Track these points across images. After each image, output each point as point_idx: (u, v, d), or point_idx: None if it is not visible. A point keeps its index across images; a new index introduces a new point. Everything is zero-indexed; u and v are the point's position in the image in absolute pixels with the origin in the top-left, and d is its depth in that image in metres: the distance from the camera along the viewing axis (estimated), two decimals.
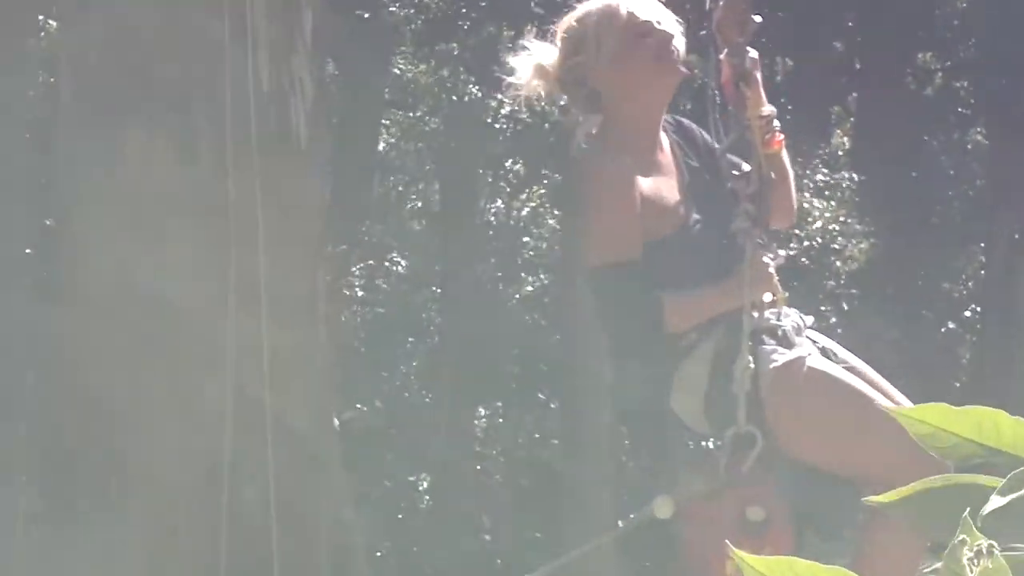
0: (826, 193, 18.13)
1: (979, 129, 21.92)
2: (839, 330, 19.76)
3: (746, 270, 4.00)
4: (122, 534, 6.47)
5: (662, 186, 4.14)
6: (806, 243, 17.51)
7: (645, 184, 4.10)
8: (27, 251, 13.01)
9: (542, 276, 16.99)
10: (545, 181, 16.99)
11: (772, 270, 4.04)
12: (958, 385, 21.05)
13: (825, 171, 18.66)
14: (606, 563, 11.46)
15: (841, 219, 18.32)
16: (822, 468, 4.18)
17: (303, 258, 7.20)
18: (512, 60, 4.39)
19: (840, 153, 21.21)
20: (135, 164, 7.06)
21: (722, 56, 4.09)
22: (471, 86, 16.42)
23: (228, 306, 6.79)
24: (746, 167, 4.11)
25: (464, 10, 16.79)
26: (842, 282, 18.87)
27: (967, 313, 21.61)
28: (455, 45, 17.12)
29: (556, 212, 16.86)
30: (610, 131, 4.20)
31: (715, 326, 4.09)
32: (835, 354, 4.14)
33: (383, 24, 16.91)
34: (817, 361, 4.03)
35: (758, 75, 4.09)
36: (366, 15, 16.23)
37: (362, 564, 7.67)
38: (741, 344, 3.99)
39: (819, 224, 17.76)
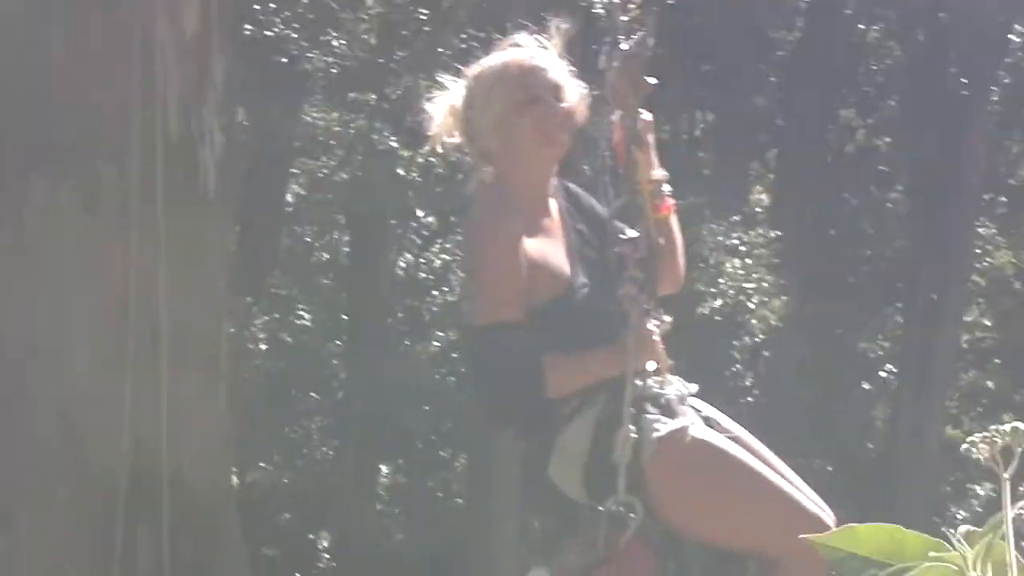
0: (742, 249, 18.22)
1: (899, 188, 22.15)
2: (754, 390, 19.88)
3: (630, 337, 3.95)
4: None
5: (548, 249, 4.13)
6: (719, 301, 17.59)
7: (532, 245, 4.08)
8: None
9: (450, 332, 16.96)
10: (456, 234, 17.01)
11: (657, 337, 4.01)
12: (871, 446, 21.20)
13: (742, 229, 18.76)
14: None
15: (756, 276, 18.42)
16: (703, 541, 4.17)
17: (206, 310, 7.15)
18: (432, 97, 4.39)
19: (758, 209, 21.35)
20: (38, 213, 6.96)
21: (614, 117, 4.07)
22: (384, 135, 16.45)
23: (127, 358, 6.71)
24: (633, 232, 4.05)
25: (379, 60, 16.84)
26: (757, 340, 18.98)
27: (882, 373, 21.82)
28: (371, 96, 17.15)
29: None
30: (499, 188, 4.18)
31: (597, 393, 4.04)
32: (719, 423, 4.12)
33: (295, 72, 16.89)
34: (700, 431, 4.01)
35: (651, 138, 4.09)
36: (278, 62, 16.22)
37: None
38: (623, 412, 3.93)
39: (734, 282, 17.83)
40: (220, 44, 7.68)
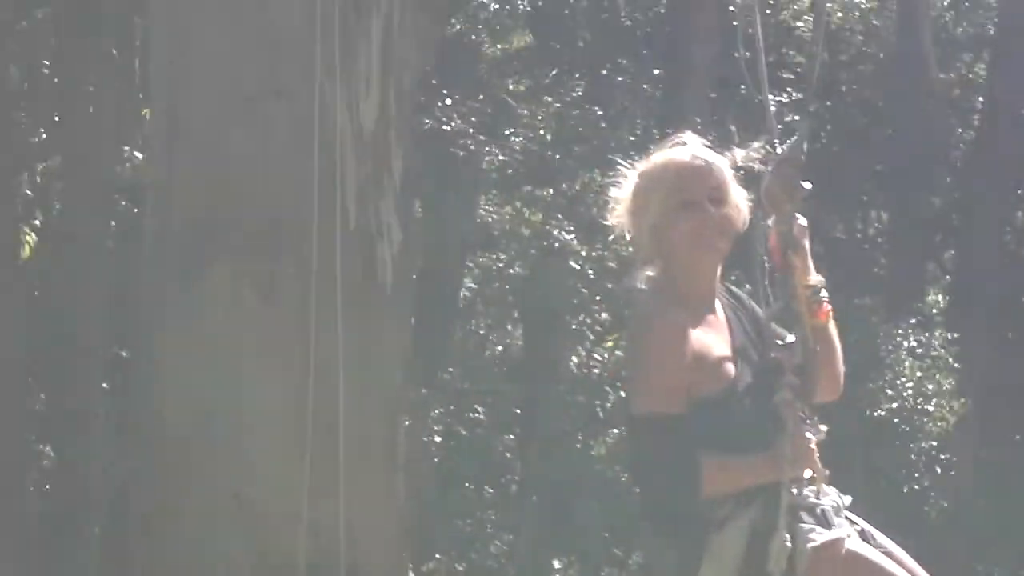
0: (918, 351, 17.93)
1: None
2: (932, 493, 19.46)
3: (787, 444, 3.89)
4: None
5: (713, 344, 4.05)
6: (895, 404, 17.28)
7: (696, 339, 4.01)
8: (104, 385, 13.13)
9: (623, 429, 16.88)
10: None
11: (814, 446, 3.93)
12: None
13: (919, 331, 18.47)
14: None
15: (937, 377, 18.11)
16: None
17: (384, 402, 7.17)
18: (611, 185, 4.32)
19: (934, 311, 21.02)
20: (218, 302, 7.06)
21: (770, 222, 4.00)
22: (559, 231, 16.46)
23: (306, 447, 6.75)
24: (791, 338, 4.01)
25: (555, 155, 16.92)
26: (934, 444, 18.60)
27: None
28: (547, 190, 17.22)
29: None
30: (666, 282, 4.11)
31: (753, 499, 3.96)
32: (874, 538, 4.03)
33: (471, 166, 17.04)
34: (856, 544, 3.93)
35: (807, 243, 4.00)
36: (454, 156, 16.38)
37: None
38: (778, 521, 3.88)
39: (911, 384, 17.53)
40: (398, 138, 7.77)
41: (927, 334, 18.65)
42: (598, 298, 16.87)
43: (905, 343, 17.89)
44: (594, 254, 15.75)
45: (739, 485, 3.96)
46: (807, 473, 3.91)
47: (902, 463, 18.23)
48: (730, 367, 4.05)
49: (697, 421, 3.95)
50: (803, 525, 3.89)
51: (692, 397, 3.96)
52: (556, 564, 17.96)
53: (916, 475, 18.94)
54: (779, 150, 4.02)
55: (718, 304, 4.12)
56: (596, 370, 17.62)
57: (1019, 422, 20.37)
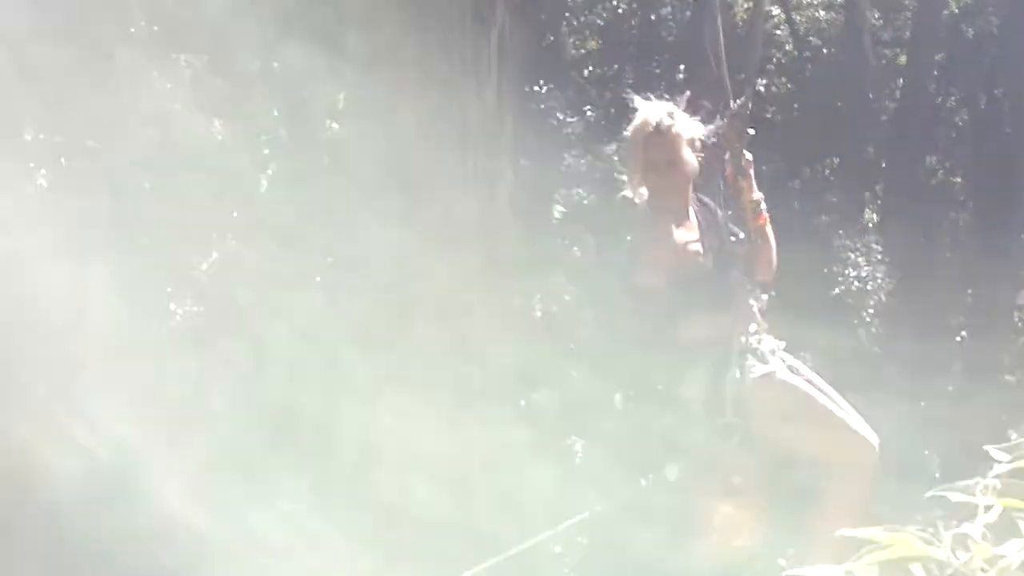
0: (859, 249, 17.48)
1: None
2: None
3: (736, 308, 3.83)
4: None
5: (688, 239, 3.93)
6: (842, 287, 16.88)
7: (677, 235, 3.90)
8: None
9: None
10: None
11: (755, 310, 3.84)
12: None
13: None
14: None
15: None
16: (785, 451, 4.01)
17: None
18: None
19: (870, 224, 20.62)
20: None
21: (726, 157, 3.88)
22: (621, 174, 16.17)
23: None
24: (741, 234, 3.96)
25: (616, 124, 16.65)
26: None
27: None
28: (614, 146, 16.99)
29: None
30: (655, 198, 3.99)
31: (716, 346, 3.88)
32: (798, 371, 3.92)
33: (559, 132, 16.80)
34: (785, 375, 3.85)
35: (751, 171, 3.86)
36: (549, 125, 16.15)
37: None
38: (732, 359, 3.82)
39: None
40: (509, 110, 7.86)
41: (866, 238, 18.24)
42: None
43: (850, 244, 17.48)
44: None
45: (709, 334, 3.87)
46: (752, 327, 3.83)
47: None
48: (699, 254, 3.93)
49: (678, 289, 3.85)
50: (748, 363, 3.83)
51: (674, 273, 3.85)
52: None
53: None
54: (732, 107, 3.96)
55: (691, 210, 3.98)
56: None
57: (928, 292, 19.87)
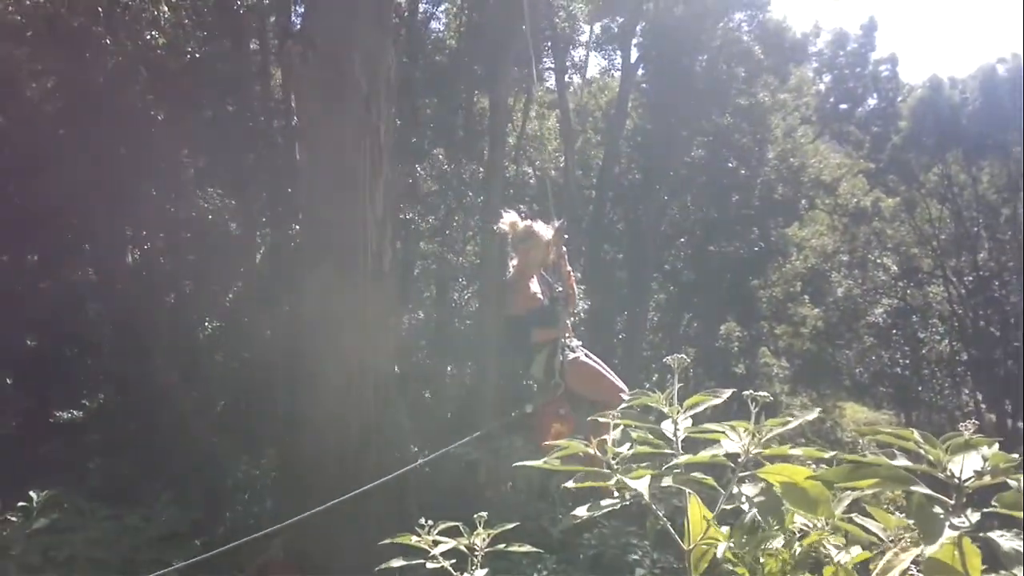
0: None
1: None
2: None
3: (561, 325, 5.26)
4: None
5: (538, 289, 5.30)
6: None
7: (533, 287, 5.28)
8: None
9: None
10: None
11: (569, 324, 5.30)
12: None
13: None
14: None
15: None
16: (582, 396, 5.23)
17: None
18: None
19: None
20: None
21: (552, 247, 5.38)
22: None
23: None
24: (560, 288, 5.41)
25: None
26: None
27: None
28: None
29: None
30: (524, 267, 5.34)
31: (551, 343, 5.22)
32: (591, 356, 5.27)
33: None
34: (584, 357, 5.21)
35: (566, 255, 5.42)
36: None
37: None
38: (559, 350, 5.19)
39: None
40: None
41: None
42: None
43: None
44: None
45: (547, 338, 5.26)
46: (568, 334, 5.33)
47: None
48: (544, 296, 5.36)
49: (531, 316, 5.30)
50: (567, 351, 5.24)
51: (530, 308, 5.31)
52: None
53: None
54: (555, 223, 5.46)
55: (538, 275, 5.42)
56: None
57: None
